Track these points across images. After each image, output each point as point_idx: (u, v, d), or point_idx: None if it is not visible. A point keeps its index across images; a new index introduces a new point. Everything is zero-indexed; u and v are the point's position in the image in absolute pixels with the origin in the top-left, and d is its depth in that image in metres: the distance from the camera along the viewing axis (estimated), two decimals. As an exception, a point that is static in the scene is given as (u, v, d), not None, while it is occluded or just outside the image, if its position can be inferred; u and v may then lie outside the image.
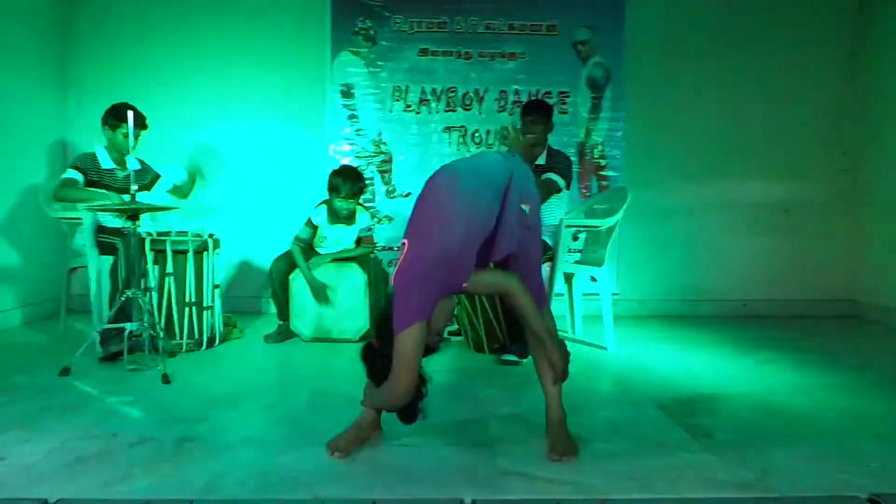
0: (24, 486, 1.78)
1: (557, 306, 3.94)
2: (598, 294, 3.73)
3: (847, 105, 4.90)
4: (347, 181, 3.70)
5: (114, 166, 3.55)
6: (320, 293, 3.73)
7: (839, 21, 4.89)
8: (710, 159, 4.88)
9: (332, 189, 3.72)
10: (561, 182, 3.56)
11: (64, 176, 3.42)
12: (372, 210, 4.76)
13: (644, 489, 1.82)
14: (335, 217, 3.83)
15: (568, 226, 3.61)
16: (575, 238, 4.65)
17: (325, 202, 3.86)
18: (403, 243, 1.94)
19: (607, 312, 3.66)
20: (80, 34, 4.62)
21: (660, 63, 4.84)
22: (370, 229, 4.00)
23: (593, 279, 3.80)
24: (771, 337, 4.08)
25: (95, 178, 3.47)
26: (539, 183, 3.44)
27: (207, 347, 3.53)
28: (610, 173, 4.87)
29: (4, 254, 4.04)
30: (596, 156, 4.86)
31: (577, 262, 4.17)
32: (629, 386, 2.97)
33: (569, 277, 4.04)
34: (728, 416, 2.52)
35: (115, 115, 3.46)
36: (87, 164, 3.47)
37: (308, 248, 3.89)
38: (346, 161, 4.71)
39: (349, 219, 3.85)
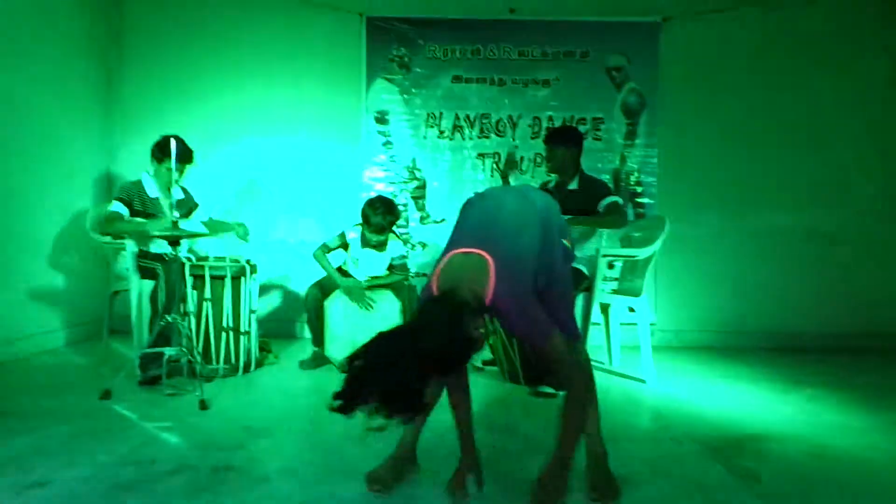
0: (65, 515, 1.80)
1: (594, 336, 3.92)
2: (635, 323, 3.66)
3: (891, 132, 4.77)
4: (378, 213, 3.67)
5: (158, 195, 3.63)
6: (358, 294, 3.72)
7: (874, 47, 4.77)
8: (747, 186, 4.78)
9: (364, 220, 3.74)
10: (620, 199, 3.56)
11: (109, 209, 3.50)
12: (405, 236, 4.78)
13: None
14: (367, 241, 3.86)
15: (605, 255, 3.56)
16: (611, 266, 4.58)
17: (361, 224, 3.88)
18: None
19: (646, 344, 3.59)
20: (125, 65, 4.78)
21: (695, 88, 4.79)
22: (404, 257, 4.00)
23: (631, 310, 3.73)
24: (818, 371, 3.94)
25: (140, 207, 3.55)
26: (609, 209, 3.44)
27: (244, 373, 3.56)
28: (645, 200, 4.81)
29: (52, 277, 4.16)
30: (632, 182, 4.81)
31: (613, 291, 4.10)
32: (669, 422, 2.88)
33: (605, 307, 3.97)
34: (776, 457, 2.42)
35: (161, 149, 3.50)
36: (132, 194, 3.54)
37: (340, 270, 3.92)
38: (380, 187, 4.76)
39: (380, 247, 3.87)
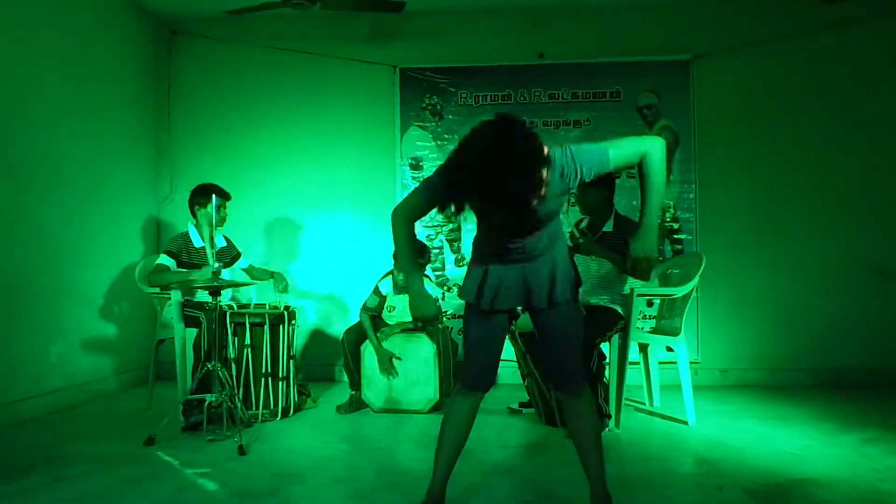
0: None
1: (632, 376, 3.83)
2: (675, 362, 3.57)
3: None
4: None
5: (203, 244, 3.78)
6: (386, 363, 3.77)
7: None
8: (790, 219, 4.67)
9: (396, 262, 3.80)
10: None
11: (157, 262, 3.68)
12: (441, 279, 4.83)
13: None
14: (397, 287, 3.90)
15: (640, 294, 3.51)
16: (650, 304, 4.51)
17: (391, 272, 3.94)
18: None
19: (686, 384, 3.48)
20: (173, 122, 5.05)
21: (731, 122, 4.75)
22: (438, 300, 4.01)
23: (669, 349, 3.64)
24: (873, 410, 3.75)
25: (187, 258, 3.71)
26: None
27: (282, 417, 3.61)
28: (683, 236, 4.74)
29: (102, 326, 4.34)
30: (668, 219, 4.75)
31: (651, 330, 4.03)
32: (713, 466, 2.78)
33: (644, 346, 3.90)
34: (826, 504, 2.30)
35: (202, 193, 3.76)
36: (178, 247, 3.73)
37: (377, 317, 3.96)
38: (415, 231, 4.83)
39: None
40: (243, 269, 4.07)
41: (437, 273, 4.81)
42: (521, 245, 2.01)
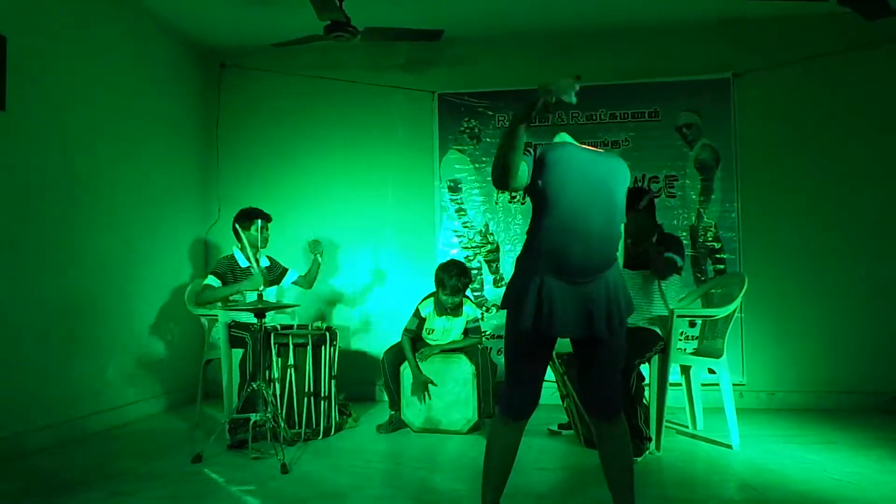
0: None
1: (675, 397, 3.78)
2: (719, 384, 3.50)
3: None
4: (452, 276, 3.80)
5: (249, 265, 3.93)
6: (419, 389, 3.81)
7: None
8: (834, 239, 4.54)
9: (439, 283, 3.86)
10: (680, 262, 3.46)
11: (205, 282, 3.85)
12: (480, 299, 4.86)
13: None
14: (442, 308, 3.95)
15: (680, 315, 3.47)
16: (692, 325, 4.45)
17: (431, 294, 4.00)
18: None
19: (729, 407, 3.42)
20: (221, 151, 5.25)
21: (773, 140, 4.68)
22: (477, 320, 4.06)
23: (711, 371, 3.58)
24: (928, 437, 3.60)
25: (232, 280, 3.86)
26: (660, 259, 3.38)
27: (324, 437, 3.69)
28: (726, 256, 4.67)
29: (153, 347, 4.52)
30: (710, 238, 4.69)
31: (693, 351, 3.97)
32: (757, 493, 2.72)
33: (686, 368, 3.84)
34: (875, 533, 2.23)
35: (246, 217, 3.93)
36: (224, 268, 3.88)
37: (417, 338, 4.02)
38: (453, 252, 4.89)
39: (455, 310, 3.95)
40: (294, 283, 4.22)
41: (476, 294, 4.85)
42: (598, 258, 1.95)
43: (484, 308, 4.85)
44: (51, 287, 3.61)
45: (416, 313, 4.01)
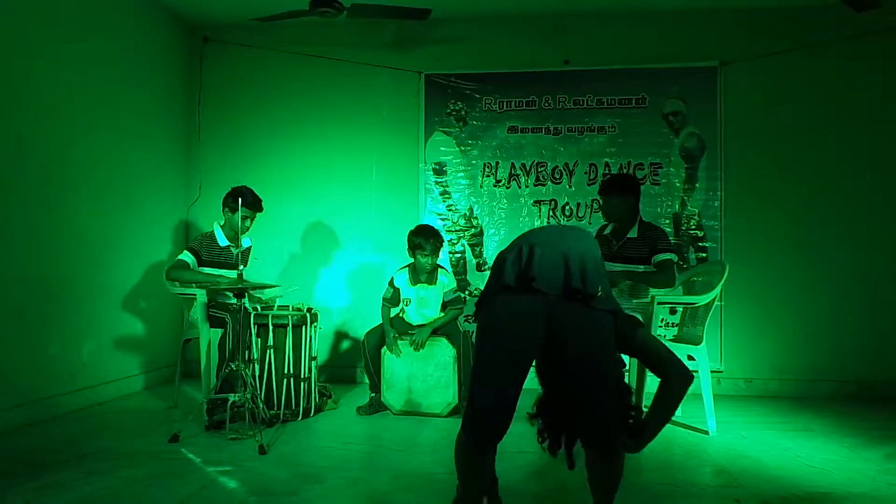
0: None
1: (653, 383, 3.80)
2: (696, 371, 3.53)
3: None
4: (430, 238, 3.85)
5: (228, 244, 3.87)
6: (393, 343, 3.85)
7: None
8: (816, 229, 4.58)
9: (416, 247, 3.86)
10: (674, 256, 3.47)
11: (178, 258, 3.78)
12: (462, 282, 4.85)
13: None
14: (416, 277, 3.97)
15: (660, 303, 3.49)
16: (673, 312, 4.47)
17: (405, 266, 4.02)
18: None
19: (707, 393, 3.46)
20: (203, 128, 5.16)
21: (758, 130, 4.69)
22: (455, 290, 4.08)
23: (691, 358, 3.61)
24: (900, 425, 3.67)
25: (207, 257, 3.79)
26: (661, 267, 3.39)
27: (303, 418, 3.67)
28: (708, 244, 4.69)
29: (131, 325, 4.46)
30: (693, 227, 4.71)
31: (673, 338, 4.00)
32: (732, 477, 2.75)
33: (665, 354, 3.86)
34: (846, 519, 2.27)
35: (234, 199, 3.73)
36: (202, 245, 3.81)
37: (398, 319, 4.03)
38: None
39: (430, 278, 3.96)
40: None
41: (459, 277, 4.83)
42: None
43: (466, 292, 4.84)
44: (25, 264, 3.53)
45: (391, 283, 4.03)
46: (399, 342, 3.85)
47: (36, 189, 3.60)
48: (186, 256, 3.75)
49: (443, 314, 4.01)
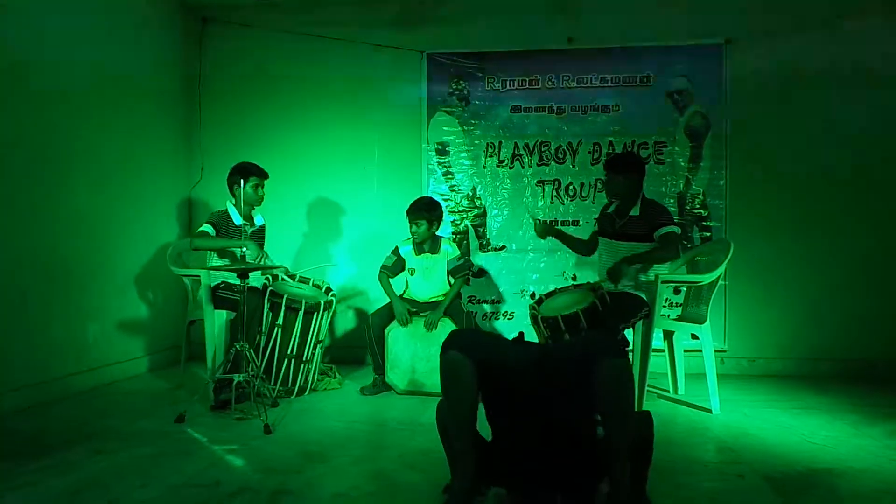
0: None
1: (657, 363, 3.82)
2: (701, 350, 3.54)
3: None
4: (418, 210, 3.92)
5: (243, 222, 3.83)
6: (403, 315, 3.88)
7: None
8: (821, 208, 4.55)
9: (412, 216, 3.93)
10: (677, 229, 3.45)
11: (200, 229, 3.74)
12: (466, 263, 4.83)
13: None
14: (420, 248, 4.01)
15: (664, 282, 3.48)
16: (676, 291, 4.47)
17: (410, 237, 4.06)
18: None
19: (711, 372, 3.46)
20: (204, 108, 5.13)
21: (764, 109, 4.63)
22: (459, 258, 4.10)
23: (694, 336, 3.61)
24: (902, 403, 3.67)
25: (225, 233, 3.77)
26: (662, 241, 3.38)
27: (297, 395, 3.72)
28: (713, 223, 4.67)
29: (136, 306, 4.48)
30: (697, 206, 4.68)
31: (677, 317, 4.00)
32: (735, 454, 2.77)
33: (669, 334, 3.87)
34: (849, 495, 2.28)
35: (241, 172, 3.76)
36: (220, 221, 3.77)
37: (402, 297, 4.05)
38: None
39: (434, 247, 3.99)
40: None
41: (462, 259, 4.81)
42: None
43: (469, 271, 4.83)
44: (30, 246, 3.53)
45: (395, 251, 4.08)
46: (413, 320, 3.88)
47: (36, 173, 3.59)
48: (207, 227, 3.70)
49: (447, 287, 4.05)
